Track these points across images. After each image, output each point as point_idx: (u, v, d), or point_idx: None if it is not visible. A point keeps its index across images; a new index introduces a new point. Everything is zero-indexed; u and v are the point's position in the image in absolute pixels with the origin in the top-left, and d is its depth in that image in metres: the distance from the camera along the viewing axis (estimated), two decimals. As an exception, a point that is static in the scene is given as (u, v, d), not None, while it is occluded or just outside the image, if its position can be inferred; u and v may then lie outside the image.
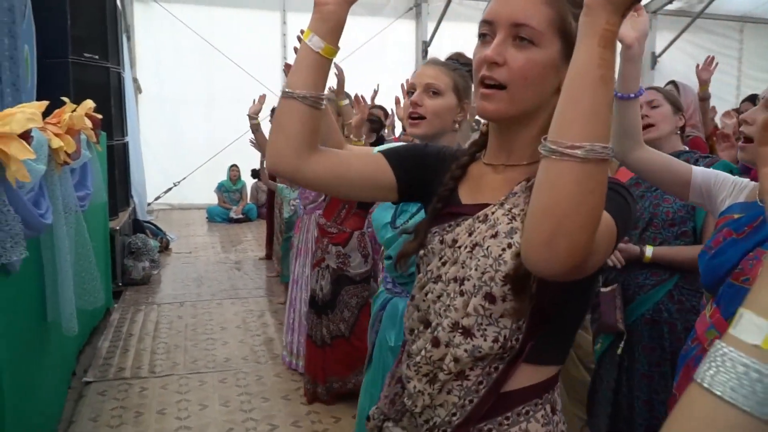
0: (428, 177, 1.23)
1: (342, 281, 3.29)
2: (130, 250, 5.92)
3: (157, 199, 10.27)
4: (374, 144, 4.23)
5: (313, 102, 1.10)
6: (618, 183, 1.04)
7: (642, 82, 1.97)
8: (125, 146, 6.54)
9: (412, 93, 1.90)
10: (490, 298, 1.03)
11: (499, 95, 1.05)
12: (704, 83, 4.16)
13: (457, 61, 1.96)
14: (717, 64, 4.19)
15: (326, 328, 3.32)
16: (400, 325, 1.90)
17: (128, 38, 9.62)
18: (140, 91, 10.05)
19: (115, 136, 5.96)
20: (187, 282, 5.91)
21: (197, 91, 10.36)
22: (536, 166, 0.97)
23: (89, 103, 3.53)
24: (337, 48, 1.15)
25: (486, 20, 1.07)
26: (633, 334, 2.40)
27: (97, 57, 5.52)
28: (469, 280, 1.06)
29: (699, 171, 1.78)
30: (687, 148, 2.61)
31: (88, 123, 3.47)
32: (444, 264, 1.13)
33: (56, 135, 2.73)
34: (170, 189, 10.33)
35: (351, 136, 2.94)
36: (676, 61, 12.54)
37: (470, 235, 1.09)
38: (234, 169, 9.77)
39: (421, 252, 1.19)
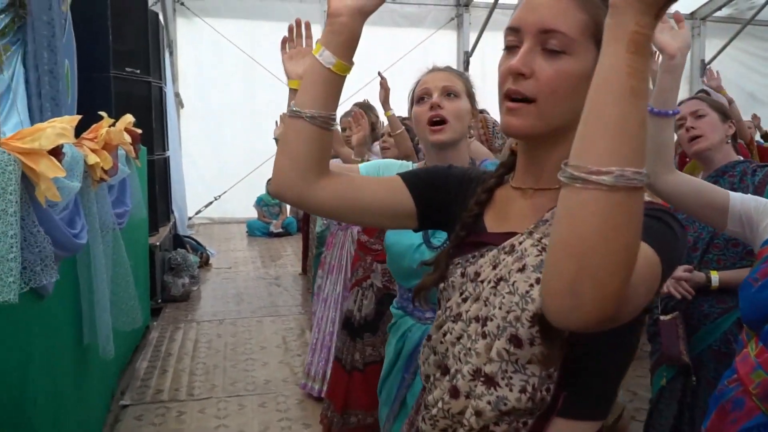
0: (452, 202, 1.10)
1: (387, 301, 3.04)
2: (170, 266, 5.86)
3: (198, 213, 10.29)
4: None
5: (322, 122, 1.02)
6: (660, 209, 0.89)
7: (691, 90, 1.81)
8: (166, 161, 6.51)
9: (423, 100, 1.77)
10: (515, 341, 0.89)
11: (526, 110, 0.94)
12: (718, 89, 4.20)
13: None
14: (718, 72, 4.41)
15: (360, 352, 3.06)
16: None
17: (171, 53, 9.69)
18: (182, 106, 10.11)
19: (156, 151, 5.93)
20: (226, 299, 5.81)
21: (238, 105, 10.37)
22: None
23: (128, 118, 3.44)
24: (351, 64, 1.04)
25: (511, 27, 0.96)
26: (697, 367, 2.21)
27: (138, 71, 5.49)
28: (492, 320, 0.92)
29: (738, 197, 1.65)
30: (742, 158, 2.42)
31: (128, 138, 3.38)
32: (465, 300, 0.98)
33: (92, 150, 2.63)
34: (211, 203, 10.34)
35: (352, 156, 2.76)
36: (726, 68, 12.11)
37: (495, 268, 0.95)
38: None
39: (442, 285, 1.05)
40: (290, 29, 1.94)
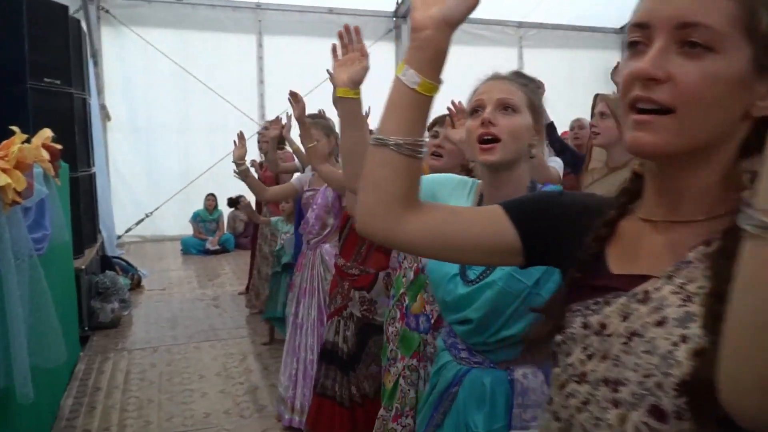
0: (565, 236, 0.92)
1: (368, 331, 2.82)
2: (97, 291, 5.46)
3: (128, 231, 9.80)
4: None
5: (409, 150, 0.92)
6: None
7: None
8: (91, 177, 6.11)
9: (476, 113, 1.53)
10: (657, 413, 0.71)
11: (661, 123, 0.74)
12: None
13: (521, 77, 1.63)
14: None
15: (356, 386, 2.86)
16: (491, 406, 1.49)
17: (95, 63, 9.22)
18: (109, 119, 9.63)
19: (80, 167, 5.53)
20: (160, 323, 5.45)
21: (170, 117, 9.98)
22: (718, 223, 0.75)
23: (46, 132, 3.13)
24: (438, 83, 0.93)
25: (638, 23, 0.77)
26: None
27: (59, 82, 5.10)
28: (625, 384, 0.75)
29: None
30: None
31: (46, 154, 3.07)
32: (590, 357, 0.80)
33: (3, 170, 2.33)
34: (142, 220, 9.87)
35: None
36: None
37: (625, 319, 0.78)
38: (210, 199, 9.35)
39: (558, 338, 0.86)
40: (340, 35, 1.82)
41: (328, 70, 2.75)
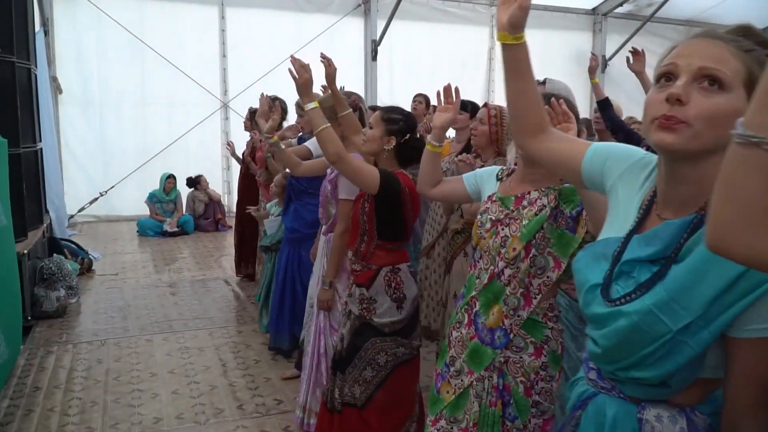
0: None
1: (365, 332, 2.57)
2: (42, 277, 5.06)
3: (81, 210, 9.30)
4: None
5: None
6: None
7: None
8: (37, 154, 5.65)
9: (666, 79, 1.11)
10: None
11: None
12: (639, 74, 4.26)
13: (748, 37, 1.12)
14: (643, 51, 4.34)
15: (339, 389, 2.62)
16: None
17: (46, 33, 8.65)
18: (60, 92, 9.07)
19: (24, 143, 5.09)
20: (111, 313, 5.08)
21: (126, 91, 9.48)
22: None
23: (-29, 104, 2.73)
24: None
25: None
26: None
27: (-2, 50, 4.65)
28: None
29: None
30: None
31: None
32: None
33: None
34: (96, 199, 9.37)
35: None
36: (626, 63, 12.40)
37: None
38: (170, 180, 8.91)
39: None
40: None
41: (292, 56, 2.48)
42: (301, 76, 2.51)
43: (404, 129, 2.62)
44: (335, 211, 3.10)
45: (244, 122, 6.05)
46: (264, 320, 4.46)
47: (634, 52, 4.22)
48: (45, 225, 5.85)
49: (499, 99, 10.87)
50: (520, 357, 1.97)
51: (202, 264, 6.88)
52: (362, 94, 10.33)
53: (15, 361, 3.93)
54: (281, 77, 9.42)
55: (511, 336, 1.97)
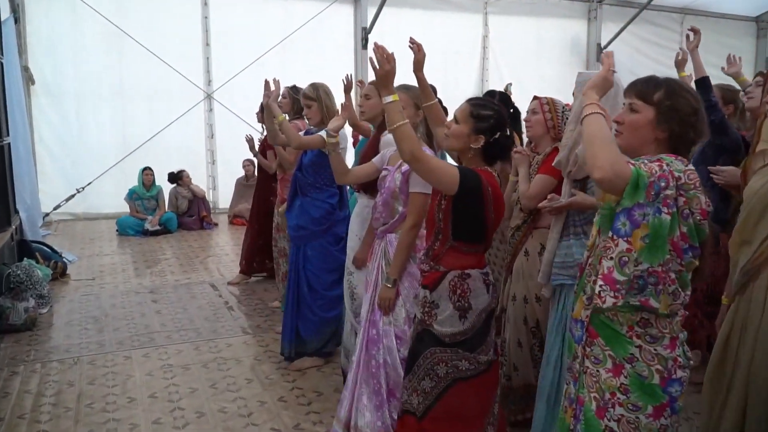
0: None
1: (425, 338, 2.31)
2: (9, 286, 4.57)
3: (56, 208, 8.78)
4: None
5: None
6: None
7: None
8: (4, 149, 5.16)
9: None
10: None
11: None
12: (737, 76, 4.15)
13: None
14: (740, 59, 4.20)
15: (408, 392, 2.38)
16: None
17: (16, 20, 8.12)
18: (33, 82, 8.54)
19: (-14, 138, 4.61)
20: (85, 324, 4.61)
21: (105, 82, 8.99)
22: None
23: None
24: None
25: None
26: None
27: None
28: None
29: None
30: None
31: None
32: None
33: None
34: (73, 196, 8.85)
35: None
36: (620, 52, 12.09)
37: None
38: (147, 173, 8.37)
39: None
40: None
41: (376, 44, 2.17)
42: (383, 66, 2.17)
43: (495, 127, 2.30)
44: (403, 207, 2.82)
45: (257, 113, 5.63)
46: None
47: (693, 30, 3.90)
48: (14, 227, 5.37)
49: (493, 88, 10.48)
50: (597, 371, 1.83)
51: (186, 266, 6.41)
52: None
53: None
54: (268, 67, 9.14)
55: (585, 333, 1.86)
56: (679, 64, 3.88)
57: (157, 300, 5.23)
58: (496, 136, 2.29)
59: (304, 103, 3.88)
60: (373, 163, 3.01)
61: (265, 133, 5.23)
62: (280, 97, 4.30)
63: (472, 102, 2.34)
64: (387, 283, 2.72)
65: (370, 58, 2.22)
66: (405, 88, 2.87)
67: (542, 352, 2.92)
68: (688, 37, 3.90)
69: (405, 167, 2.76)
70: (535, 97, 3.10)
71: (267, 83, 3.72)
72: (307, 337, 3.83)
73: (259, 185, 5.84)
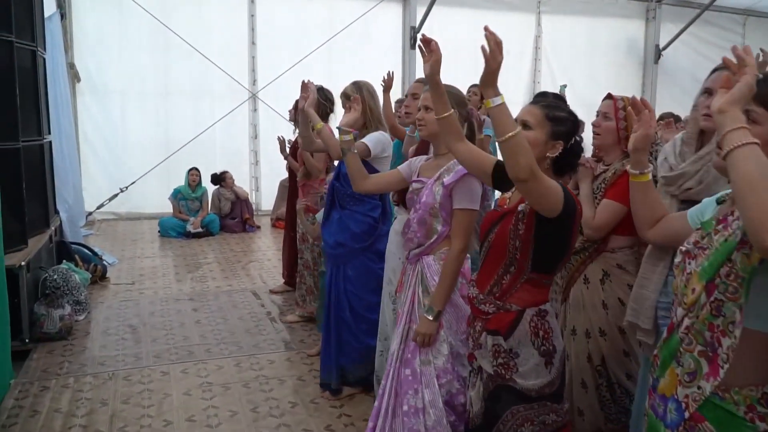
0: None
1: (503, 396, 1.92)
2: (44, 292, 4.38)
3: (100, 207, 8.68)
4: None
5: None
6: None
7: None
8: (43, 148, 4.98)
9: None
10: None
11: None
12: None
13: None
14: None
15: None
16: None
17: (63, 16, 8.03)
18: (78, 80, 8.45)
19: (25, 136, 4.41)
20: (123, 334, 4.38)
21: (149, 80, 8.87)
22: None
23: None
24: None
25: None
26: None
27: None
28: None
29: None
30: None
31: None
32: None
33: None
34: (116, 195, 8.74)
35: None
36: (680, 54, 11.57)
37: None
38: (193, 173, 8.20)
39: None
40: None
41: (486, 28, 1.78)
42: (495, 58, 1.75)
43: (572, 131, 1.96)
44: (442, 228, 2.42)
45: (290, 111, 5.31)
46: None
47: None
48: (53, 228, 5.19)
49: (545, 89, 10.05)
50: None
51: (228, 272, 6.18)
52: (399, 84, 9.64)
53: (1, 400, 3.25)
54: (313, 66, 8.88)
55: (686, 414, 1.40)
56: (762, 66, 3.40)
57: (197, 308, 4.99)
58: (572, 142, 1.95)
59: (345, 104, 3.46)
60: (398, 171, 2.65)
61: (297, 132, 4.92)
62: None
63: (543, 104, 1.97)
64: (428, 314, 2.33)
65: (482, 47, 1.77)
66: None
67: (610, 393, 2.55)
68: (757, 57, 3.41)
69: (448, 179, 2.38)
70: (609, 96, 2.67)
71: (304, 85, 3.34)
72: (349, 365, 3.43)
73: (292, 190, 5.36)
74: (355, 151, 2.59)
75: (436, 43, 2.08)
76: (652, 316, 2.13)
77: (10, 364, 3.51)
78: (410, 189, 2.57)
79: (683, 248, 1.51)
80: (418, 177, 2.54)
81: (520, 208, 1.89)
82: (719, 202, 1.63)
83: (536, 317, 1.90)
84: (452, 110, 2.19)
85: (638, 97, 1.98)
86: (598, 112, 2.68)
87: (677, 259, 1.53)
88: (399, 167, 2.68)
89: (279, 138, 5.43)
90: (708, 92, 2.07)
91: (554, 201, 1.78)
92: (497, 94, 1.74)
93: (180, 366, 3.84)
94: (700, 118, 2.12)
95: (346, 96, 3.43)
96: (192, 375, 3.72)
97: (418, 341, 2.34)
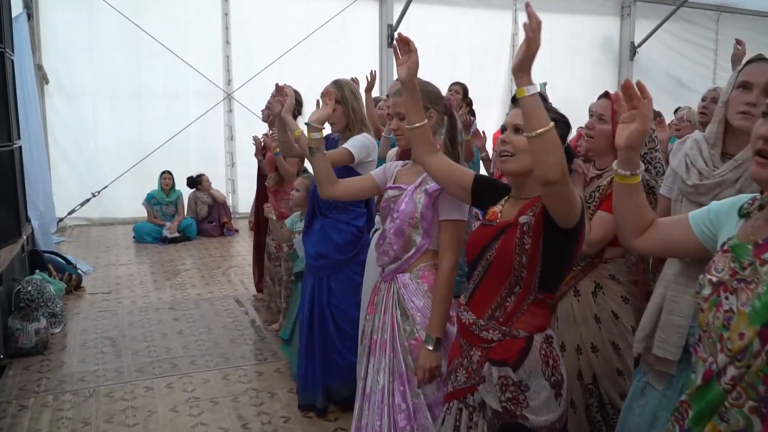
0: None
1: None
2: (18, 305, 4.18)
3: (71, 213, 8.42)
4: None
5: None
6: None
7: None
8: (13, 153, 4.76)
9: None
10: None
11: None
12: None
13: None
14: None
15: None
16: None
17: (29, 16, 7.75)
18: (47, 82, 8.19)
19: (-5, 142, 4.21)
20: (102, 347, 4.20)
21: (121, 82, 8.62)
22: None
23: None
24: None
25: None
26: None
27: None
28: None
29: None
30: None
31: None
32: None
33: None
34: (88, 200, 8.49)
35: None
36: (655, 51, 11.64)
37: None
38: (166, 177, 7.99)
39: None
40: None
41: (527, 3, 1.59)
42: (537, 39, 1.51)
43: (565, 133, 1.79)
44: (422, 241, 2.18)
45: (262, 111, 5.10)
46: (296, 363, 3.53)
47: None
48: (25, 237, 4.97)
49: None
50: None
51: (208, 278, 6.01)
52: (377, 83, 9.52)
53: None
54: (290, 66, 8.72)
55: None
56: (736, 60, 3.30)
57: (178, 318, 4.82)
58: (565, 145, 1.76)
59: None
60: (372, 177, 2.40)
61: (270, 132, 4.73)
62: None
63: None
64: (427, 345, 2.05)
65: (524, 24, 1.55)
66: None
67: (602, 414, 2.36)
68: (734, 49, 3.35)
69: (431, 185, 2.14)
70: (606, 95, 2.43)
71: (280, 88, 3.15)
72: (336, 384, 3.22)
73: (261, 192, 5.14)
74: (325, 151, 2.36)
75: (414, 44, 1.93)
76: (683, 345, 1.86)
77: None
78: (385, 196, 2.31)
79: (713, 278, 1.31)
80: (394, 183, 2.31)
81: (522, 220, 1.68)
82: (742, 214, 1.40)
83: (545, 344, 1.72)
84: (425, 121, 2.03)
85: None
86: (591, 112, 2.47)
87: (705, 291, 1.32)
88: (372, 172, 2.45)
89: (254, 138, 5.22)
90: (744, 86, 1.89)
91: (576, 208, 1.61)
92: (532, 82, 1.52)
93: (164, 380, 3.68)
94: (735, 116, 1.90)
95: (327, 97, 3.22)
96: (177, 390, 3.56)
97: (420, 377, 2.06)
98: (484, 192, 1.90)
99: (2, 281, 4.02)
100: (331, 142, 3.27)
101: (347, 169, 2.98)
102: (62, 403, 3.40)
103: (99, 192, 8.49)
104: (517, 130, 1.74)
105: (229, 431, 3.11)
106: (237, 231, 8.29)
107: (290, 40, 8.96)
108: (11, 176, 4.72)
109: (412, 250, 2.18)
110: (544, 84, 6.96)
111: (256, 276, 5.32)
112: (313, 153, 2.31)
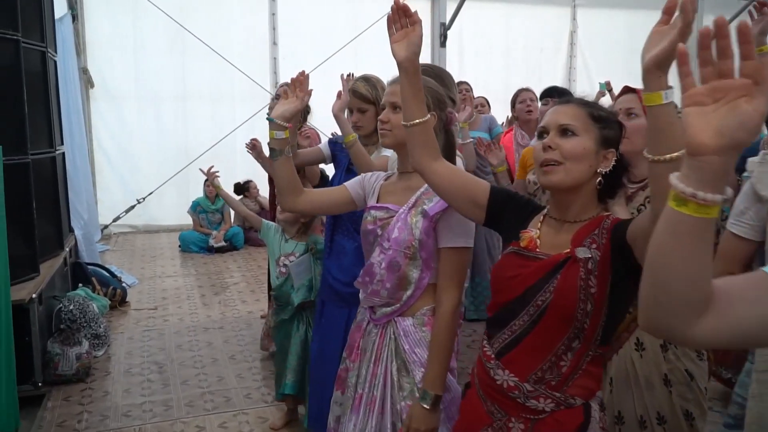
0: None
1: None
2: (58, 326, 3.83)
3: (116, 220, 8.16)
4: None
5: None
6: None
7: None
8: (56, 161, 4.44)
9: None
10: None
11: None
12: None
13: None
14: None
15: None
16: None
17: (74, 18, 7.52)
18: (92, 85, 7.94)
19: (35, 148, 3.87)
20: (148, 374, 3.82)
21: (166, 85, 8.33)
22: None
23: None
24: None
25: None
26: None
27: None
28: None
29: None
30: None
31: None
32: None
33: None
34: (133, 207, 8.22)
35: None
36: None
37: None
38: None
39: None
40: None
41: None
42: (691, 25, 1.05)
43: (620, 135, 1.42)
44: (421, 275, 1.76)
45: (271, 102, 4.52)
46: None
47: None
48: (67, 249, 4.65)
49: (581, 88, 9.47)
50: None
51: (258, 293, 5.61)
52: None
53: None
54: (338, 67, 8.29)
55: None
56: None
57: (228, 339, 4.43)
58: (618, 154, 1.41)
59: (357, 106, 2.59)
60: (346, 190, 1.94)
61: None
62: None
63: (578, 102, 1.41)
64: (424, 403, 1.66)
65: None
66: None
67: None
68: (751, 15, 2.57)
69: (431, 205, 1.73)
70: (629, 89, 2.06)
71: (299, 80, 2.45)
72: None
73: (275, 200, 4.56)
74: (290, 154, 1.89)
75: (417, 15, 1.56)
76: None
77: (17, 412, 2.97)
78: (368, 218, 1.86)
79: None
80: (378, 202, 1.86)
81: (583, 254, 1.28)
82: None
83: (601, 413, 1.37)
84: (428, 117, 1.59)
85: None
86: (617, 110, 1.99)
87: None
88: (347, 184, 1.97)
89: (251, 143, 4.36)
90: None
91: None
92: (669, 85, 1.10)
93: (217, 417, 3.27)
94: None
95: (360, 97, 2.57)
96: (233, 429, 3.15)
97: None
98: (504, 208, 1.48)
99: (42, 301, 3.67)
100: (338, 148, 2.76)
101: None
102: (104, 443, 3.03)
103: (144, 198, 8.23)
104: (564, 132, 1.36)
105: (294, 485, 2.68)
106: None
107: (339, 41, 8.59)
108: (53, 184, 4.39)
109: (410, 289, 1.76)
110: (605, 84, 6.15)
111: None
112: (275, 156, 1.84)
